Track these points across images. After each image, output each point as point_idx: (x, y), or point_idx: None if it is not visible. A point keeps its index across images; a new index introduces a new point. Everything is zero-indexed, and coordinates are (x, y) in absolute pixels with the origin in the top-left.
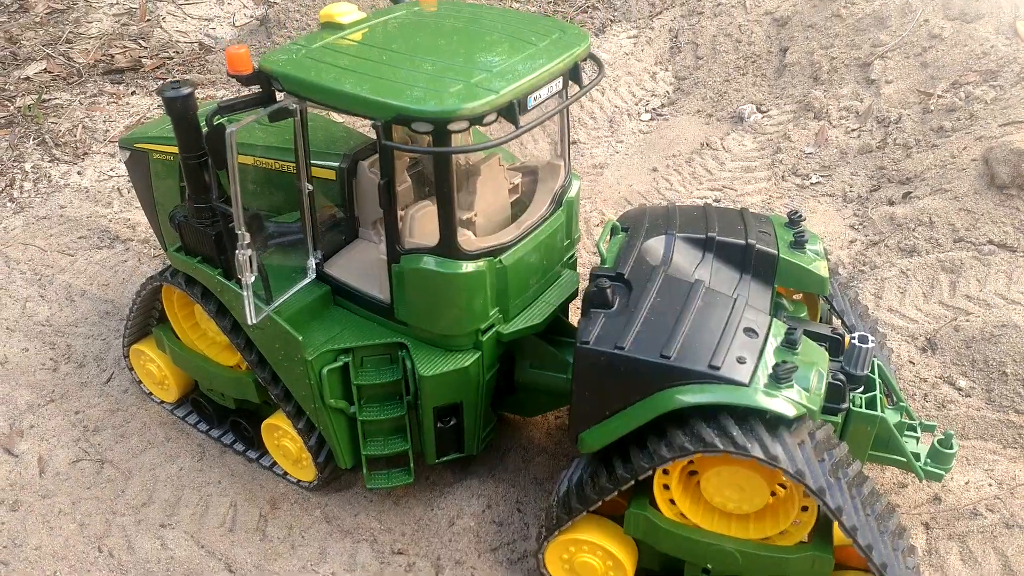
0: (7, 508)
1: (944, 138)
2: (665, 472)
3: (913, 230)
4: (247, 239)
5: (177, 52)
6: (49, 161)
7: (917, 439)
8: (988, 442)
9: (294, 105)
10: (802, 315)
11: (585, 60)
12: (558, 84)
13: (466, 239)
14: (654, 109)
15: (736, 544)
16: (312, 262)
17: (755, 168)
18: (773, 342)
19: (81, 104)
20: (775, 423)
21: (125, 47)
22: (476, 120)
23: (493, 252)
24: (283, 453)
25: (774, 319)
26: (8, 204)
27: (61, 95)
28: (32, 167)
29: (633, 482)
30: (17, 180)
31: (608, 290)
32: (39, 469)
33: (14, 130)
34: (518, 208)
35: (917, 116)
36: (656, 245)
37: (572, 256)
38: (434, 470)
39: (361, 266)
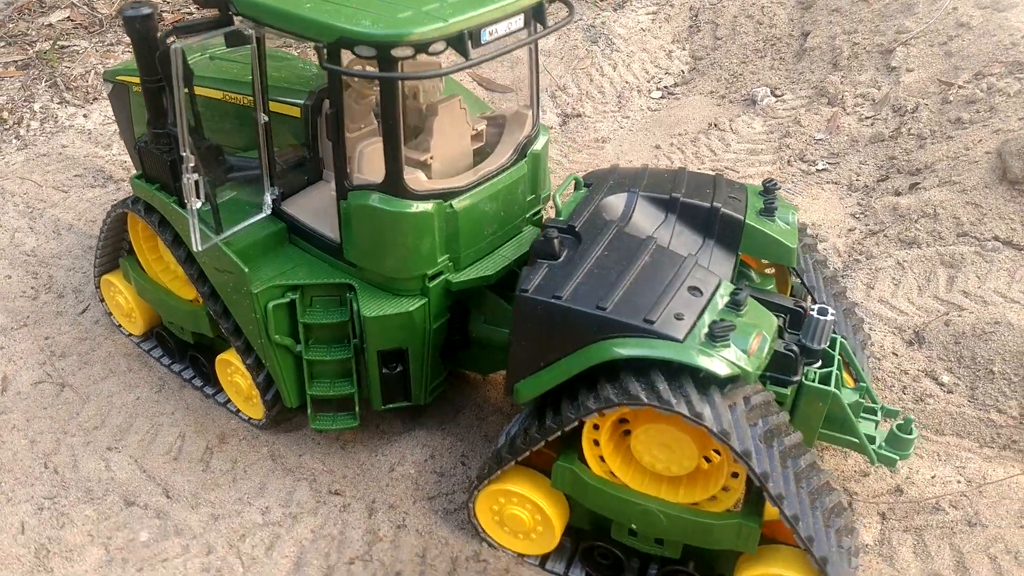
0: None
1: (960, 130)
2: (596, 427)
3: (915, 221)
4: (191, 162)
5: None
6: (58, 103)
7: (876, 423)
8: (964, 439)
9: (249, 30)
10: (768, 287)
11: (552, 1)
12: (518, 22)
13: (413, 178)
14: (666, 87)
15: (661, 506)
16: (268, 198)
17: (761, 151)
18: (719, 303)
19: (96, 51)
20: (707, 382)
21: None
22: (422, 47)
23: (443, 195)
24: (235, 389)
25: (724, 281)
26: (14, 141)
27: (80, 42)
28: (41, 107)
29: (560, 433)
30: (25, 119)
31: (555, 240)
32: (1, 387)
33: (29, 72)
34: (482, 157)
35: (935, 106)
36: (616, 202)
37: (538, 213)
38: (384, 419)
39: (319, 206)
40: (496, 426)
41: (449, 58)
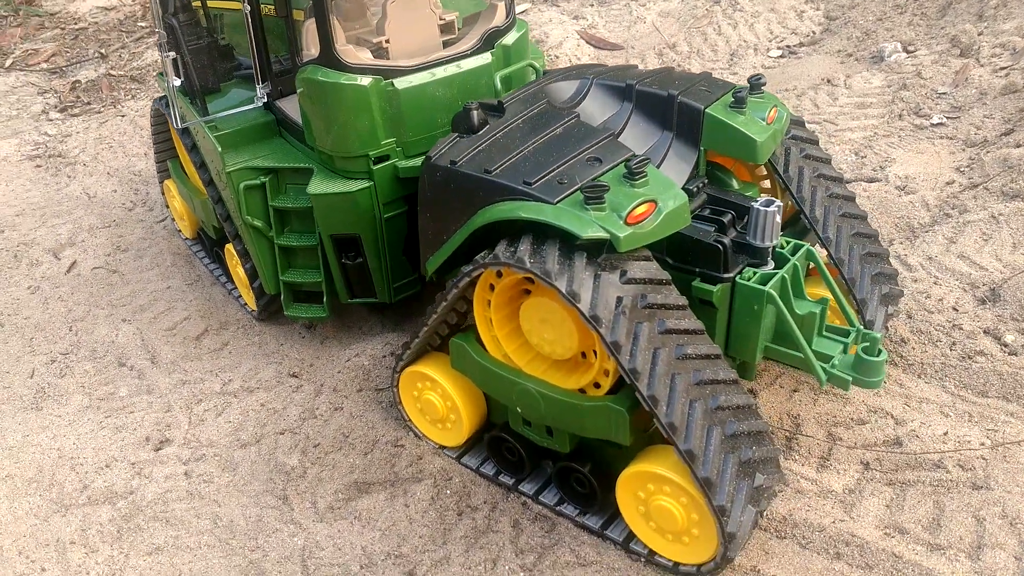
0: (28, 291)
1: None
2: (489, 304)
3: (1023, 173)
4: (164, 38)
5: None
6: None
7: (845, 344)
8: (1011, 403)
9: None
10: (748, 194)
11: None
12: None
13: (347, 50)
14: (788, 46)
15: (539, 386)
16: (260, 90)
17: (870, 104)
18: (617, 174)
19: None
20: (577, 248)
21: None
22: None
23: (383, 72)
24: (239, 279)
25: (640, 156)
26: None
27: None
28: None
29: (444, 304)
30: None
31: (474, 112)
32: (67, 270)
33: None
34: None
35: None
36: (566, 87)
37: None
38: (367, 321)
39: None
40: None
41: None
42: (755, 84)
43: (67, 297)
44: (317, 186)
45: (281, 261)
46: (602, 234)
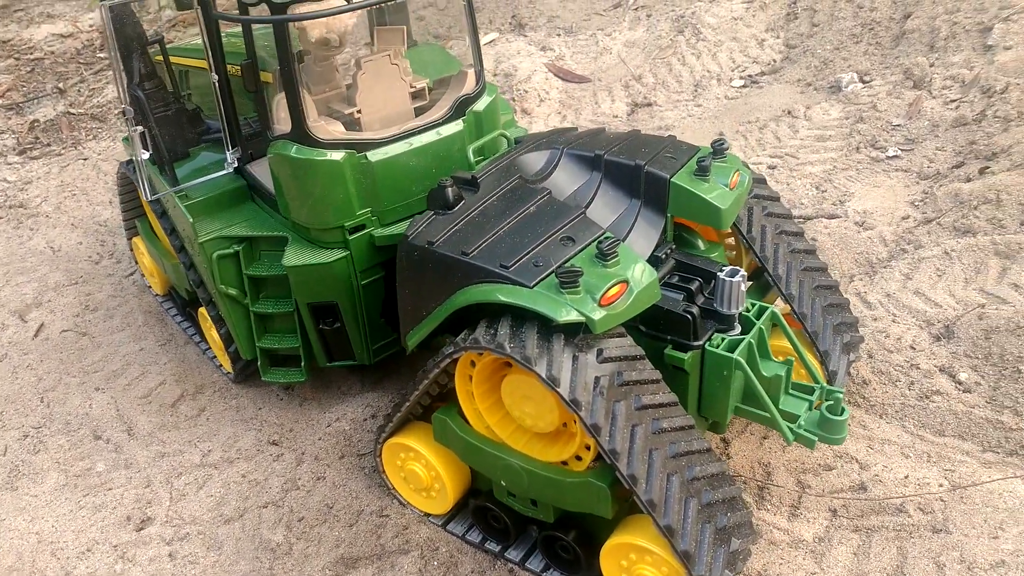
0: None
1: None
2: (470, 379)
3: (975, 208)
4: (131, 113)
5: None
6: None
7: (810, 402)
8: (966, 442)
9: None
10: (713, 255)
11: None
12: None
13: (319, 127)
14: (750, 76)
15: (522, 461)
16: (229, 156)
17: (829, 137)
18: (590, 254)
19: None
20: (554, 330)
21: None
22: None
23: (356, 146)
24: (214, 342)
25: (611, 235)
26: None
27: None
28: None
29: (426, 381)
30: None
31: (448, 189)
32: (35, 333)
33: None
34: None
35: None
36: (536, 158)
37: None
38: (346, 381)
39: None
40: None
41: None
42: (718, 149)
43: (36, 365)
44: (293, 258)
45: (257, 327)
46: (578, 318)
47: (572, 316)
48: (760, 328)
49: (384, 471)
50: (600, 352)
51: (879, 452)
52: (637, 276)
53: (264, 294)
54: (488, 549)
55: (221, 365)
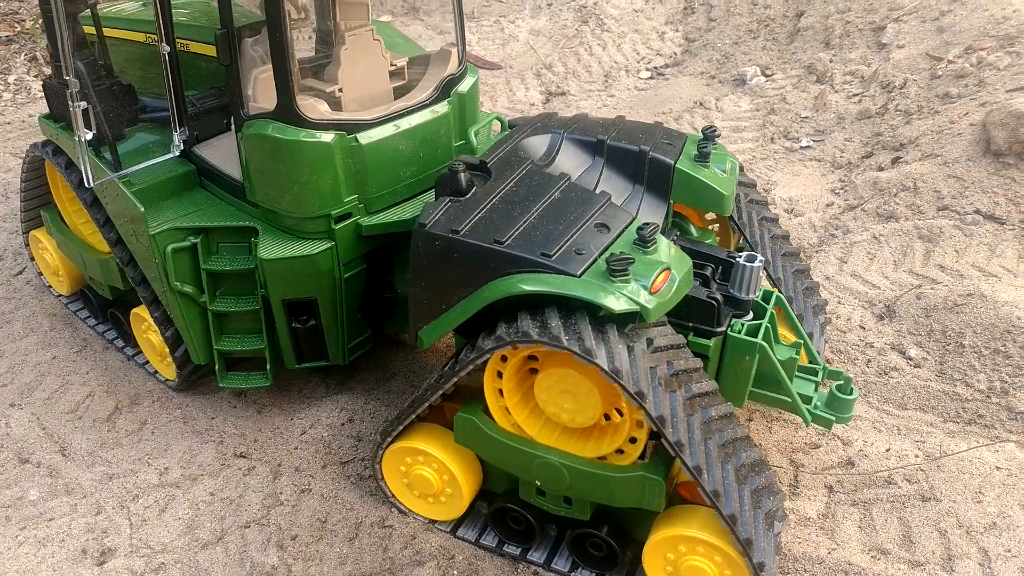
0: None
1: (948, 104)
2: (500, 376)
3: (895, 195)
4: (76, 86)
5: None
6: (34, 76)
7: (816, 384)
8: (927, 414)
9: None
10: (707, 241)
11: None
12: None
13: (309, 105)
14: (655, 68)
15: (563, 459)
16: (177, 138)
17: (744, 128)
18: (626, 240)
19: None
20: (607, 320)
21: None
22: None
23: (347, 127)
24: (150, 347)
25: (639, 220)
26: None
27: None
28: (16, 79)
29: (455, 380)
30: None
31: (461, 175)
32: None
33: (10, 47)
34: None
35: (924, 82)
36: (539, 143)
37: None
38: (308, 383)
39: (231, 148)
40: None
41: None
42: (709, 136)
43: None
44: (270, 250)
45: (215, 328)
46: (632, 307)
47: (627, 306)
48: (771, 312)
49: (383, 478)
50: (650, 342)
51: (854, 428)
52: (677, 262)
53: (221, 291)
54: (507, 553)
55: (157, 372)
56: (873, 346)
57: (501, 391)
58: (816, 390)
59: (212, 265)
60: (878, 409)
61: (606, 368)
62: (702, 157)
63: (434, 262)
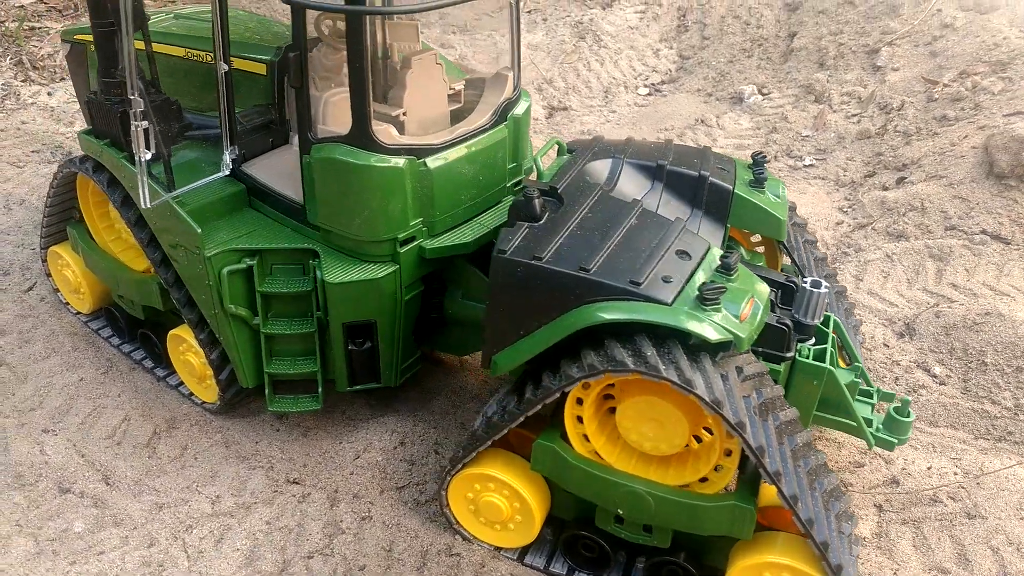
0: None
1: (946, 126)
2: (580, 402)
3: (903, 215)
4: (140, 106)
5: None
6: (22, 81)
7: (872, 406)
8: (959, 431)
9: None
10: (758, 264)
11: None
12: None
13: (383, 130)
14: (653, 84)
15: (650, 488)
16: (227, 157)
17: (748, 147)
18: (708, 267)
19: None
20: (697, 348)
21: None
22: None
23: (416, 151)
24: (188, 369)
25: (714, 246)
26: None
27: (51, 24)
28: (3, 84)
29: (540, 407)
30: None
31: (536, 201)
32: None
33: None
34: (458, 120)
35: (921, 104)
36: (600, 167)
37: (519, 183)
38: (350, 404)
39: (283, 168)
40: (473, 413)
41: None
42: (759, 161)
43: None
44: (335, 274)
45: (265, 351)
46: (727, 336)
47: (722, 335)
48: (832, 336)
49: (448, 504)
50: (740, 370)
51: None
52: (759, 290)
53: (272, 313)
54: None
55: (193, 394)
56: (899, 364)
57: (580, 418)
58: (873, 411)
59: (267, 287)
60: (912, 427)
61: (706, 399)
62: (757, 182)
63: (513, 288)
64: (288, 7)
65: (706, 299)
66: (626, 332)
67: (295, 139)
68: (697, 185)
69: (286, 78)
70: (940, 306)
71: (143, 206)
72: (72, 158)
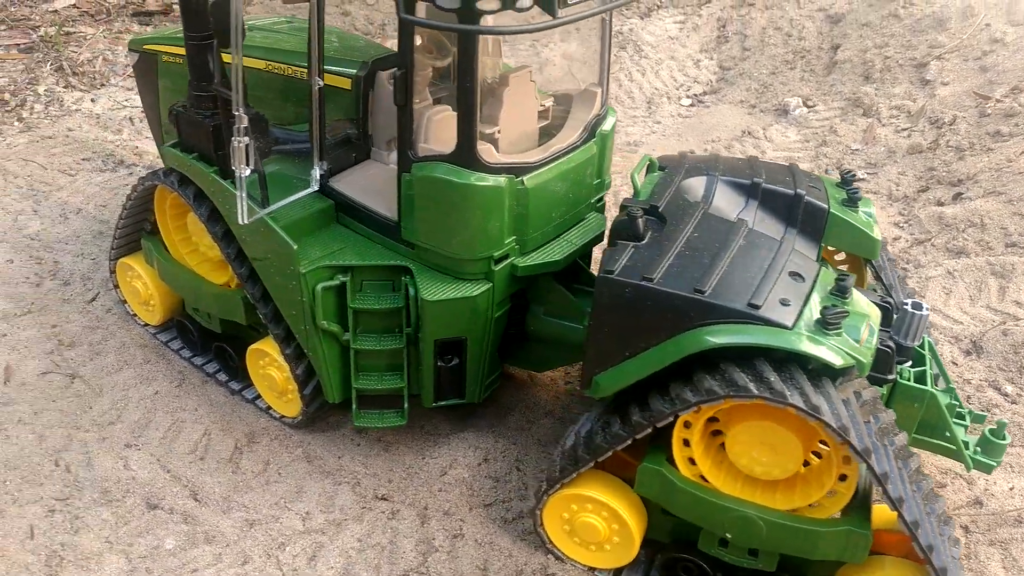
0: None
1: (1001, 142)
2: (687, 425)
3: (963, 231)
4: (244, 122)
5: None
6: (64, 87)
7: (965, 427)
8: None
9: None
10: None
11: None
12: None
13: (486, 150)
14: (695, 95)
15: (761, 512)
16: (317, 172)
17: (798, 160)
18: (821, 289)
19: (105, 38)
20: (818, 373)
21: None
22: (510, 1)
23: (515, 170)
24: (268, 384)
25: (824, 267)
26: (15, 123)
27: (86, 29)
28: (45, 91)
29: (650, 429)
30: (28, 102)
31: (639, 220)
32: (4, 377)
33: (32, 56)
34: (546, 137)
35: (973, 119)
36: (696, 184)
37: (601, 200)
38: (429, 419)
39: (370, 183)
40: (548, 429)
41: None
42: (849, 179)
43: (29, 419)
44: (433, 292)
45: (354, 366)
46: (851, 362)
47: (845, 360)
48: (928, 359)
49: (542, 524)
50: (858, 395)
51: None
52: (872, 313)
53: (361, 329)
54: None
55: (271, 408)
56: (970, 383)
57: (686, 441)
58: (966, 433)
59: (359, 303)
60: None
61: (833, 425)
62: (851, 201)
63: (621, 309)
64: (369, 24)
65: (829, 323)
66: (741, 355)
67: (382, 155)
68: (792, 203)
69: (371, 99)
70: (1007, 324)
71: (241, 222)
72: (156, 171)
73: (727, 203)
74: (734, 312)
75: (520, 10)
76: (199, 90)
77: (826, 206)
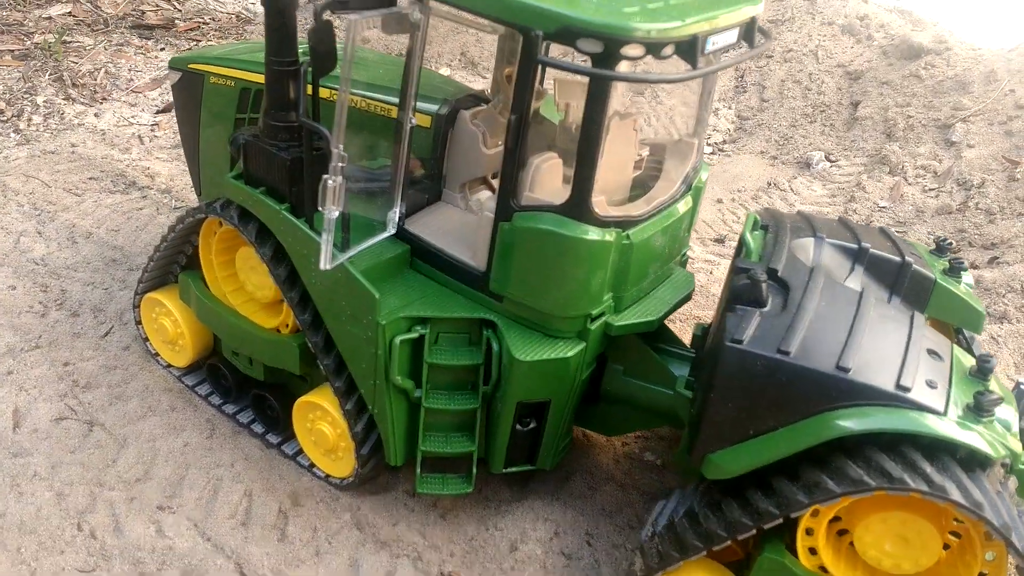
0: None
1: None
2: (814, 514)
3: (1003, 296)
4: (341, 160)
5: (213, 19)
6: (64, 99)
7: None
8: None
9: (418, 14)
10: None
11: (756, 24)
12: (733, 36)
13: (599, 202)
14: (715, 144)
15: None
16: (395, 215)
17: (828, 213)
18: (959, 369)
19: (105, 50)
20: (968, 463)
21: (158, 5)
22: (654, 48)
23: (622, 223)
24: (315, 439)
25: (954, 345)
26: (12, 135)
27: (84, 39)
28: (44, 101)
29: (781, 520)
30: (26, 112)
31: (763, 285)
32: (13, 422)
33: (29, 63)
34: (638, 189)
35: (1002, 183)
36: (805, 245)
37: (685, 253)
38: (488, 485)
39: (447, 228)
40: (611, 498)
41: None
42: (945, 247)
43: (45, 474)
44: (526, 351)
45: (423, 427)
46: (1004, 453)
47: (1001, 452)
48: None
49: None
50: (1003, 485)
51: None
52: (1010, 399)
53: (432, 385)
54: None
55: (312, 466)
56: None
57: (809, 530)
58: None
59: (436, 358)
60: None
61: (996, 524)
62: (953, 271)
63: (750, 383)
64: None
65: (983, 410)
66: (878, 441)
67: (454, 197)
68: (899, 271)
69: (450, 138)
70: None
71: (323, 267)
72: (211, 203)
73: (835, 267)
74: (882, 394)
75: (661, 58)
76: (276, 119)
77: (933, 276)
